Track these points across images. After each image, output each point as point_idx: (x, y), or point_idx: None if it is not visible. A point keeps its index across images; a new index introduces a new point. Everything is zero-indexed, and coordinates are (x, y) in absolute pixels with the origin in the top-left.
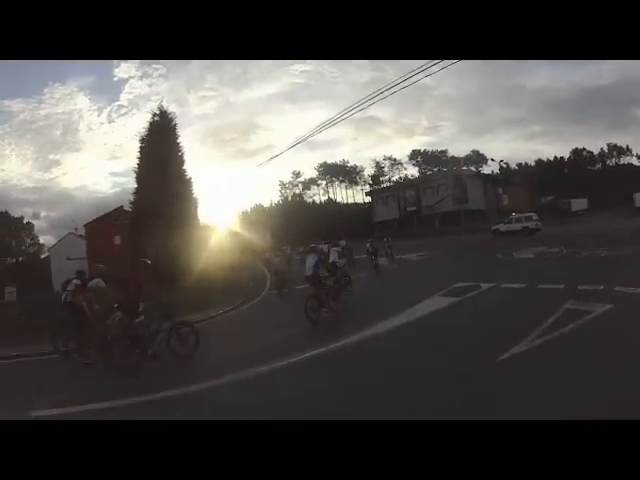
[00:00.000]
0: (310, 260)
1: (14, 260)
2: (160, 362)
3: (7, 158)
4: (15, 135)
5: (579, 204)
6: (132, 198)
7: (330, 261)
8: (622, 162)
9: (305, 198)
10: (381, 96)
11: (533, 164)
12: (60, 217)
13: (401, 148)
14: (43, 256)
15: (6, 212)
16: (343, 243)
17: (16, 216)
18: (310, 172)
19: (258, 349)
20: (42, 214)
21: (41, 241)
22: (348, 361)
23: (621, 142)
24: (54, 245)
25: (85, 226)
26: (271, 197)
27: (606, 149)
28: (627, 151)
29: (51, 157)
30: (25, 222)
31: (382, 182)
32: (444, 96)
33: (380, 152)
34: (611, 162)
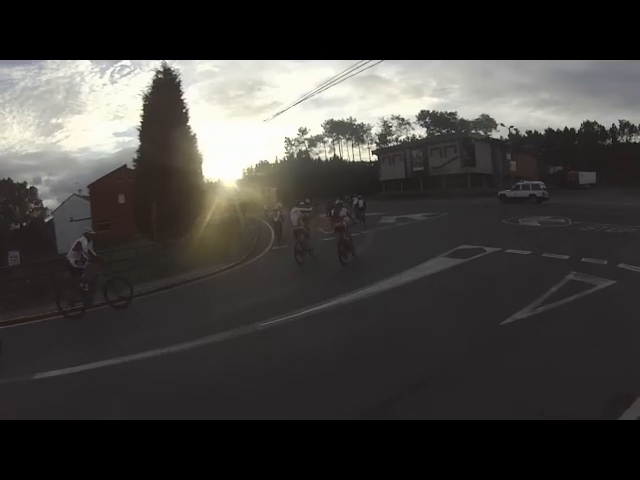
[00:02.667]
0: (358, 200)
1: (18, 226)
2: (165, 316)
3: (9, 126)
4: (17, 102)
5: (587, 177)
6: (136, 156)
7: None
8: (633, 140)
9: (311, 155)
10: None
11: (543, 133)
12: (62, 180)
13: (409, 108)
14: (47, 219)
15: (9, 179)
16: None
17: (19, 182)
18: (317, 129)
19: (259, 305)
20: (43, 178)
21: (44, 205)
22: (348, 318)
23: (633, 120)
24: (57, 208)
25: (89, 187)
26: (277, 154)
27: (618, 125)
28: (639, 130)
29: (53, 121)
30: (28, 187)
31: (389, 141)
32: None
33: (388, 111)
34: (622, 139)
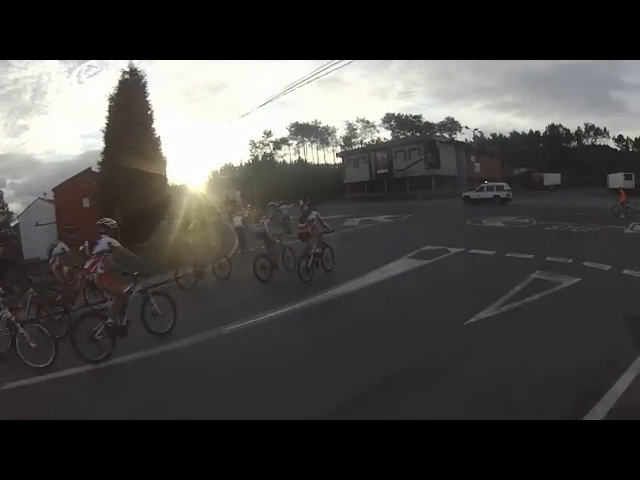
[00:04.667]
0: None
1: None
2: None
3: None
4: None
5: (552, 179)
6: (101, 159)
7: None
8: (598, 143)
9: (276, 158)
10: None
11: (508, 136)
12: (26, 183)
13: (375, 111)
14: (12, 224)
15: None
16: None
17: None
18: (281, 132)
19: (224, 308)
20: (8, 181)
21: (10, 209)
22: (313, 320)
23: (598, 123)
24: (23, 212)
25: (54, 190)
26: (242, 157)
27: (583, 128)
28: (604, 133)
29: (20, 122)
30: None
31: (354, 144)
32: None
33: (353, 114)
34: (587, 142)
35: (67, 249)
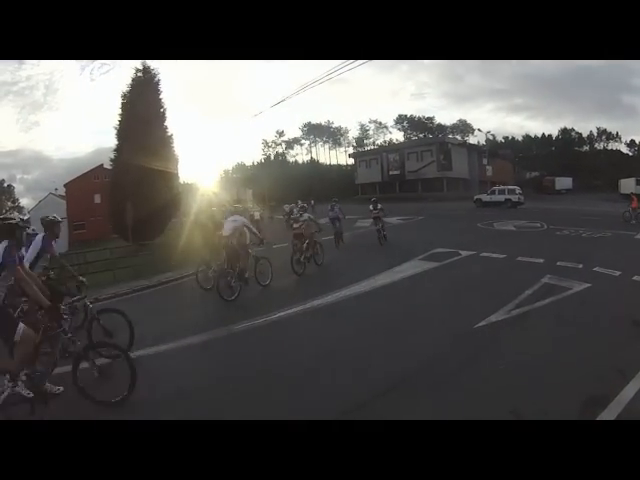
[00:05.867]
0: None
1: None
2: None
3: None
4: None
5: (563, 183)
6: (112, 156)
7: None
8: (610, 147)
9: (288, 157)
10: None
11: (520, 139)
12: (36, 179)
13: (387, 112)
14: (24, 218)
15: None
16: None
17: None
18: (294, 131)
19: (236, 306)
20: (18, 176)
21: (21, 204)
22: (321, 320)
23: (610, 127)
24: (34, 207)
25: (65, 186)
26: (254, 156)
27: (595, 132)
28: (616, 137)
29: (31, 118)
30: (5, 185)
31: (366, 145)
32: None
33: (365, 114)
34: (599, 146)
35: (312, 217)
